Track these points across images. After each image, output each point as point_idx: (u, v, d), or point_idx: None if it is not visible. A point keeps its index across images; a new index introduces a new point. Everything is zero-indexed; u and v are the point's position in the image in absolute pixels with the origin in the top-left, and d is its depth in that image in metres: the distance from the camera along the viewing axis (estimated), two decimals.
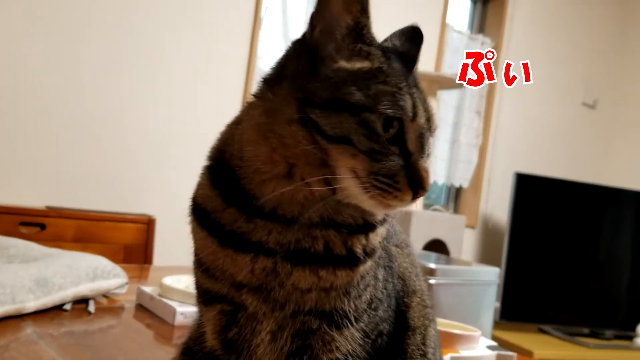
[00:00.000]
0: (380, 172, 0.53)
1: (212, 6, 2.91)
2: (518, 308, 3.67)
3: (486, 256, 4.15)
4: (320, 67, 0.55)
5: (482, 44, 4.04)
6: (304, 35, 0.57)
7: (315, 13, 0.56)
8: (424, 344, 0.66)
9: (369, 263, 0.58)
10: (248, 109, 0.58)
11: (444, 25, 3.77)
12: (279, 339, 0.58)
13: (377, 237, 0.59)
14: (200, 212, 0.59)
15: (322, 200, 0.54)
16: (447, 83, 3.43)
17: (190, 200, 0.61)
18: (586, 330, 3.70)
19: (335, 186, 0.53)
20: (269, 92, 0.56)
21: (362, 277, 0.58)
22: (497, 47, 4.05)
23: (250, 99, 0.59)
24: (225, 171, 0.58)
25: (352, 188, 0.53)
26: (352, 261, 0.56)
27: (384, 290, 0.62)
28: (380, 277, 0.61)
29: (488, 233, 4.17)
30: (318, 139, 0.52)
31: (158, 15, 2.77)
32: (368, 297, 0.59)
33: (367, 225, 0.58)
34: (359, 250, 0.57)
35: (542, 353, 3.24)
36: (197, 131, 2.80)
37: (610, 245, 3.97)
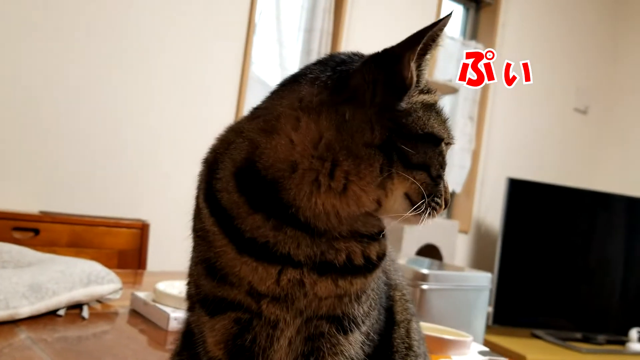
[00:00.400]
0: (437, 194, 0.59)
1: (206, 11, 2.92)
2: (511, 313, 3.68)
3: (479, 261, 4.17)
4: (403, 99, 0.57)
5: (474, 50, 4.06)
6: (387, 65, 0.57)
7: (408, 48, 0.57)
8: (408, 336, 0.68)
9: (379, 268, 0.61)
10: (286, 120, 0.57)
11: None
12: (294, 343, 0.59)
13: (386, 240, 0.62)
14: (224, 218, 0.58)
15: (364, 216, 0.58)
16: (440, 89, 3.46)
17: (207, 204, 0.60)
18: (579, 335, 3.71)
19: (384, 206, 0.57)
20: (344, 111, 0.56)
21: (372, 281, 0.61)
22: None
23: (289, 111, 0.57)
24: (255, 178, 0.57)
25: (402, 209, 0.57)
26: (368, 269, 0.59)
27: (378, 287, 0.64)
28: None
29: (481, 238, 4.19)
30: (396, 165, 0.55)
31: (152, 21, 2.78)
32: (371, 298, 0.61)
33: (381, 231, 0.61)
34: (374, 257, 0.59)
35: (534, 358, 3.25)
36: (191, 136, 2.81)
37: (602, 250, 3.99)
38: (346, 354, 0.59)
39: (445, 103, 3.96)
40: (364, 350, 0.61)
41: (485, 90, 4.06)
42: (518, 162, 4.27)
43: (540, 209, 3.84)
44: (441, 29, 0.58)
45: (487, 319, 3.49)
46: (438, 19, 0.58)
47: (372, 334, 0.62)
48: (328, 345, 0.59)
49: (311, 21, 3.36)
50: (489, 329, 3.55)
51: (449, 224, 3.63)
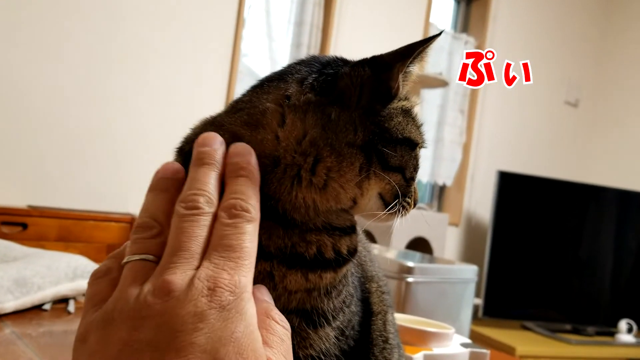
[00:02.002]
0: (408, 195, 0.61)
1: (195, 5, 2.91)
2: (501, 305, 3.70)
3: (469, 254, 4.19)
4: (386, 104, 0.59)
5: (465, 43, 4.07)
6: (376, 72, 0.58)
7: (399, 60, 0.58)
8: (385, 329, 0.69)
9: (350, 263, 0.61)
10: (272, 116, 0.57)
11: (427, 25, 3.79)
12: None
13: (357, 236, 0.62)
14: None
15: (340, 211, 0.58)
16: (431, 82, 3.46)
17: None
18: (568, 327, 3.74)
19: (358, 204, 0.58)
20: (330, 112, 0.57)
21: (344, 276, 0.60)
22: (480, 46, 4.08)
23: (273, 107, 0.58)
24: None
25: (375, 208, 0.59)
26: (338, 263, 0.59)
27: (353, 283, 0.64)
28: (348, 271, 0.63)
29: (471, 231, 4.20)
30: (375, 166, 0.57)
31: (141, 14, 2.77)
32: (344, 294, 0.61)
33: (353, 227, 0.61)
34: (344, 251, 0.59)
35: (524, 349, 3.28)
36: (180, 129, 2.79)
37: (592, 242, 4.01)
38: (316, 348, 0.60)
39: (436, 97, 3.97)
40: (338, 346, 0.61)
41: None
42: (508, 155, 4.29)
43: (531, 202, 3.85)
44: (429, 46, 0.59)
45: (477, 311, 3.51)
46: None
47: (347, 330, 0.62)
48: (298, 339, 0.59)
49: (301, 14, 3.35)
50: (479, 321, 3.58)
51: (439, 217, 3.63)
